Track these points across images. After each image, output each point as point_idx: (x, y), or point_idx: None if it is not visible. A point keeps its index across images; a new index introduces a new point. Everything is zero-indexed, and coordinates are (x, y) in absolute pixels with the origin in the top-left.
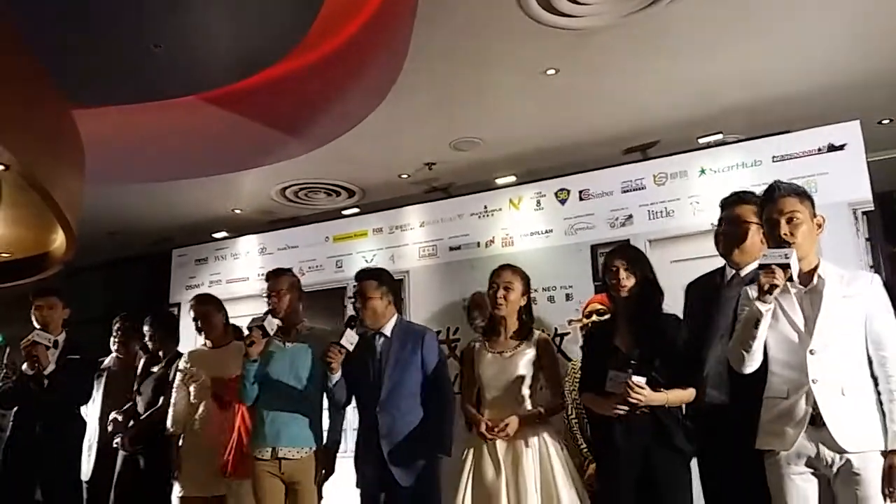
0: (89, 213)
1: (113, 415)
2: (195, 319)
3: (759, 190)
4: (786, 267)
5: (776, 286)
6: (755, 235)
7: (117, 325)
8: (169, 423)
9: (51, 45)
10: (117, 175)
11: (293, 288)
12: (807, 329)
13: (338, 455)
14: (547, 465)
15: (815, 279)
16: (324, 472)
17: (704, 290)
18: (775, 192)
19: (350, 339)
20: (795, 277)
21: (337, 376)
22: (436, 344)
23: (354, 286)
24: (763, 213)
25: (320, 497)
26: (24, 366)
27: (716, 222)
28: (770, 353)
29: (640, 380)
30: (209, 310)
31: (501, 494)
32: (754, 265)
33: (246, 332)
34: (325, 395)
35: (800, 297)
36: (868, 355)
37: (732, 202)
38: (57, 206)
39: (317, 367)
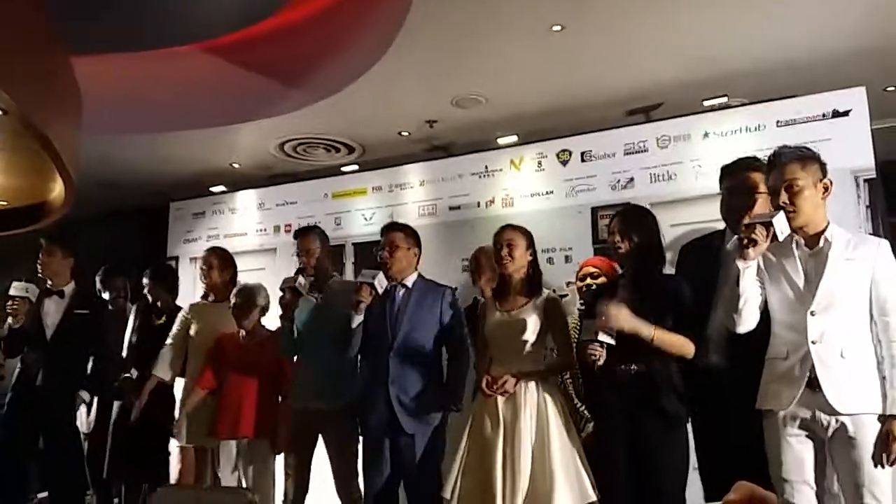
0: (85, 163)
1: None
2: (203, 269)
3: (763, 155)
4: (768, 225)
5: (755, 241)
6: (764, 204)
7: (103, 277)
8: (156, 369)
9: None
10: (113, 125)
11: (322, 244)
12: (808, 290)
13: None
14: (543, 423)
15: (822, 242)
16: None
17: (703, 253)
18: (778, 159)
19: (381, 281)
20: (781, 238)
21: (359, 318)
22: (455, 301)
23: (381, 238)
24: (768, 179)
25: (358, 448)
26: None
27: (720, 188)
28: (773, 314)
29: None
30: (215, 263)
31: (497, 449)
32: None
33: (279, 294)
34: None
35: (804, 259)
36: (872, 319)
37: (742, 168)
38: (56, 154)
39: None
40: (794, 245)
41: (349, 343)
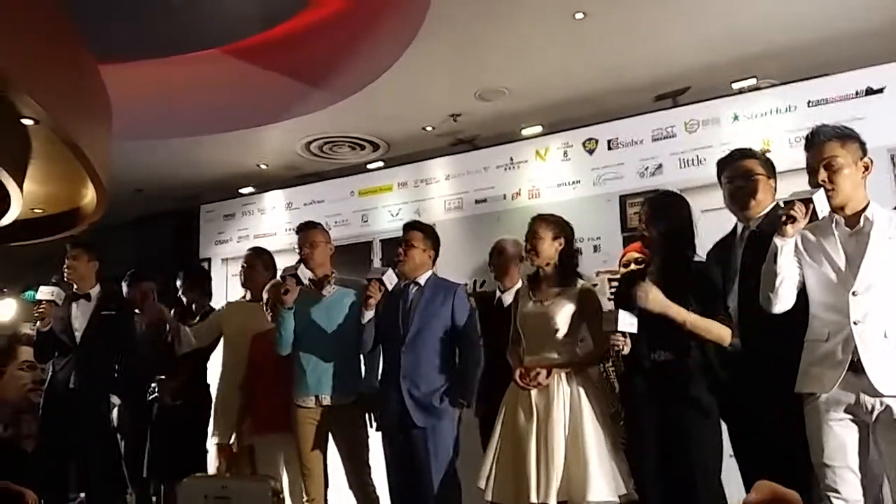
0: (117, 169)
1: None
2: (244, 267)
3: (794, 136)
4: (807, 202)
5: (793, 218)
6: (765, 187)
7: (130, 281)
8: (184, 343)
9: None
10: (143, 131)
11: (324, 240)
12: (850, 271)
13: None
14: (577, 414)
15: (862, 221)
16: (370, 415)
17: (720, 251)
18: (816, 137)
19: (391, 278)
20: (821, 216)
21: (370, 314)
22: (466, 298)
23: (402, 234)
24: (806, 158)
25: (368, 442)
26: (38, 323)
27: (720, 180)
28: (812, 295)
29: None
30: (258, 264)
31: (531, 440)
32: (763, 213)
33: (279, 281)
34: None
35: (844, 238)
36: None
37: (736, 158)
38: (88, 161)
39: (354, 314)
40: (833, 225)
41: (361, 339)
